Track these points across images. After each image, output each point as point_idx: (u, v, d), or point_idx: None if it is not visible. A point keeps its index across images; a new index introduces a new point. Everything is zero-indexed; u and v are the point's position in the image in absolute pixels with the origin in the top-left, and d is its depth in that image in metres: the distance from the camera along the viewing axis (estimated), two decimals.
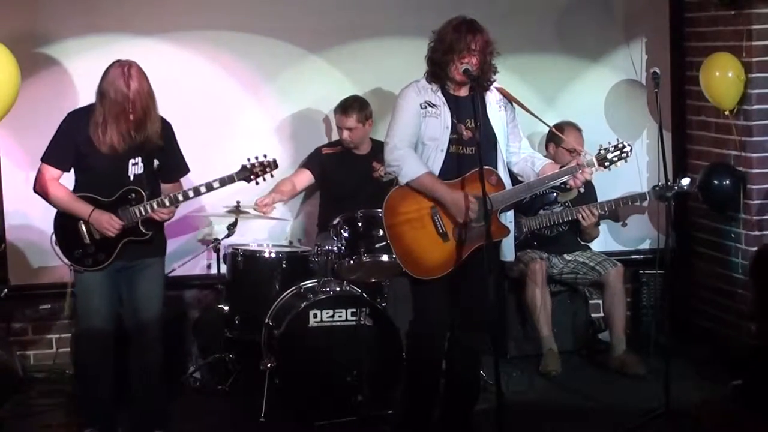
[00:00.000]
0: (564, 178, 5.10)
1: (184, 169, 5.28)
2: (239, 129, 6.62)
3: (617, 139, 5.14)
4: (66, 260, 5.12)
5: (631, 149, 5.11)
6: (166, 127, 5.15)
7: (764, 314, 2.87)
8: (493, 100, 5.12)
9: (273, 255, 6.11)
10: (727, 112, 6.54)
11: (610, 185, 6.74)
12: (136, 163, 5.03)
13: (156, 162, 5.09)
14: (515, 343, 6.70)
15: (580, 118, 6.89)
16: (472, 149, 5.00)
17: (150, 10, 6.47)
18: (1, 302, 6.33)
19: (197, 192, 5.13)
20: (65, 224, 5.08)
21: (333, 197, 6.40)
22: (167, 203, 5.05)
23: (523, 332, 6.69)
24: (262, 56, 6.63)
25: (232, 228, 6.20)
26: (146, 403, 5.25)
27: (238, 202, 6.15)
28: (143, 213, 5.02)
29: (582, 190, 6.55)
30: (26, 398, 6.02)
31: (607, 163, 5.11)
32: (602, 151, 5.11)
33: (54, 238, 5.15)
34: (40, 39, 6.36)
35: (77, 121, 5.02)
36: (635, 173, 6.96)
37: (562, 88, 7.01)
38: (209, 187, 5.16)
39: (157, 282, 5.19)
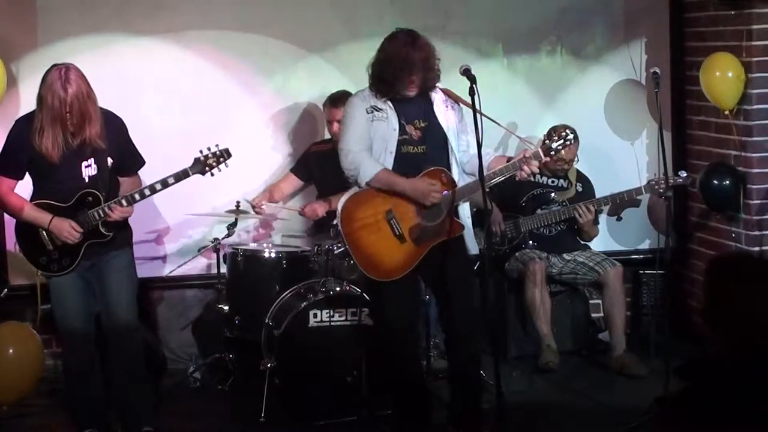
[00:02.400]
0: (512, 172, 5.14)
1: (140, 162, 5.24)
2: (238, 129, 6.61)
3: (561, 125, 5.18)
4: (32, 267, 5.14)
5: (574, 135, 5.19)
6: (115, 121, 5.10)
7: (714, 324, 2.92)
8: (438, 99, 5.19)
9: (273, 255, 6.11)
10: (727, 112, 6.54)
11: (610, 185, 6.74)
12: (89, 165, 5.00)
13: (110, 160, 5.05)
14: (515, 343, 6.70)
15: (580, 118, 6.88)
16: (422, 148, 5.10)
17: (150, 10, 6.47)
18: (1, 302, 6.33)
19: (153, 189, 5.07)
20: (26, 232, 5.07)
21: (324, 195, 6.41)
22: (124, 203, 5.02)
23: (523, 332, 6.69)
24: (262, 56, 6.64)
25: (232, 228, 6.20)
26: (132, 399, 5.24)
27: (238, 202, 6.16)
28: (101, 215, 5.00)
29: (580, 188, 6.57)
30: (26, 398, 6.01)
31: (552, 153, 5.18)
32: (547, 142, 5.17)
33: (17, 246, 5.15)
34: (40, 39, 6.35)
35: (23, 128, 4.99)
36: (635, 173, 6.96)
37: (562, 88, 7.01)
38: (164, 184, 5.10)
39: (126, 272, 5.17)
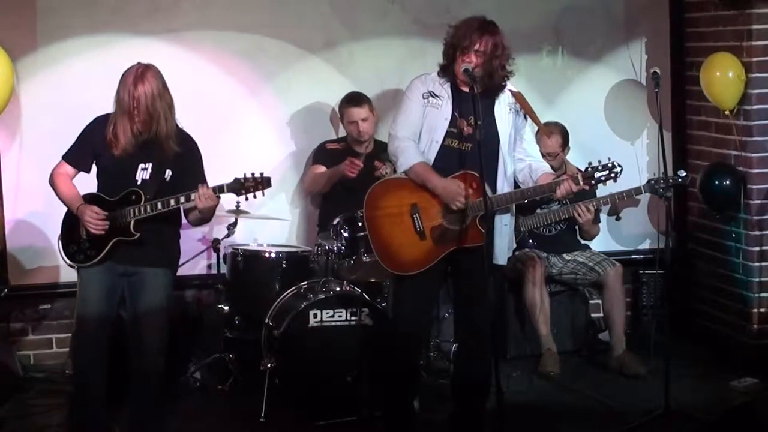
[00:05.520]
0: (548, 192, 5.05)
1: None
2: (239, 129, 6.62)
3: (608, 158, 5.07)
4: (62, 255, 5.15)
5: (621, 170, 5.04)
6: (190, 143, 5.12)
7: None
8: (504, 101, 5.11)
9: (273, 255, 6.11)
10: (727, 112, 6.54)
11: (610, 185, 6.72)
12: (146, 168, 5.02)
13: (168, 172, 5.03)
14: (515, 343, 6.70)
15: (580, 118, 6.90)
16: (469, 146, 5.02)
17: (150, 10, 6.47)
18: (1, 302, 6.33)
19: (188, 198, 5.00)
20: (71, 221, 5.12)
21: (334, 196, 6.39)
22: (160, 207, 4.98)
23: (523, 332, 6.69)
24: (262, 56, 6.64)
25: (232, 228, 6.20)
26: (140, 412, 5.17)
27: (238, 203, 6.16)
28: (135, 214, 4.98)
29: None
30: (26, 398, 6.02)
31: (593, 182, 5.07)
32: (590, 169, 5.05)
33: (60, 233, 5.18)
34: (40, 39, 6.35)
35: (98, 124, 5.07)
36: (635, 174, 6.94)
37: (562, 88, 7.02)
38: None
39: (158, 296, 5.08)
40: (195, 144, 5.17)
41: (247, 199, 5.11)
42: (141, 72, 4.96)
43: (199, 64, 6.56)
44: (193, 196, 4.99)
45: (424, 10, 6.72)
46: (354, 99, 6.38)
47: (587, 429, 5.65)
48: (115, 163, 5.01)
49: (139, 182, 5.02)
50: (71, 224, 5.12)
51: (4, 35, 6.17)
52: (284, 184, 6.72)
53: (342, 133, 6.60)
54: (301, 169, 6.73)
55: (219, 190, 5.03)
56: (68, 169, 5.14)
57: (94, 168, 5.14)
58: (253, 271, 6.10)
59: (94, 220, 4.98)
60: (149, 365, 5.12)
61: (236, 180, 5.05)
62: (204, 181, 5.12)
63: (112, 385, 5.15)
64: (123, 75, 5.01)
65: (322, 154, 6.50)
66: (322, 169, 6.45)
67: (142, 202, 4.98)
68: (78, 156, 5.12)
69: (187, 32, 6.53)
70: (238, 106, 6.65)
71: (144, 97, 4.90)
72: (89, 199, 5.08)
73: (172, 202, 5.00)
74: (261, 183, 5.05)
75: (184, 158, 5.07)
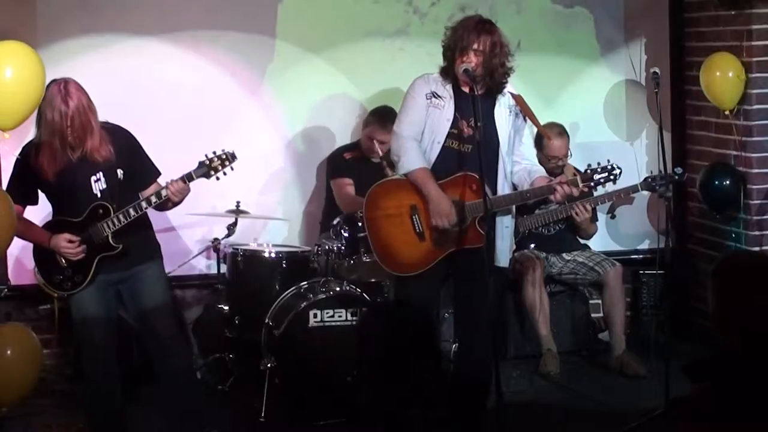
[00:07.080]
0: (547, 194, 5.08)
1: (154, 173, 5.10)
2: (239, 129, 6.62)
3: (608, 161, 5.08)
4: (48, 287, 5.11)
5: (620, 172, 5.06)
6: (122, 134, 5.02)
7: (724, 323, 2.92)
8: (504, 103, 5.10)
9: (273, 255, 6.11)
10: (727, 112, 6.54)
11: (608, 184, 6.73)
12: (98, 179, 4.92)
13: (120, 172, 4.96)
14: (515, 343, 6.70)
15: (580, 118, 6.90)
16: (469, 147, 5.02)
17: (149, 10, 6.47)
18: (1, 302, 6.33)
19: (159, 196, 4.94)
20: (43, 251, 5.01)
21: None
22: (132, 213, 4.92)
23: (523, 332, 6.69)
24: (262, 56, 6.64)
25: (232, 228, 6.20)
26: (187, 407, 5.15)
27: (238, 202, 6.16)
28: (111, 227, 4.91)
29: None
30: (26, 399, 6.01)
31: (592, 184, 5.09)
32: (589, 171, 5.07)
33: (36, 268, 5.13)
34: (40, 39, 6.35)
35: (27, 152, 4.96)
36: (635, 173, 6.94)
37: (562, 88, 7.02)
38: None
39: (158, 284, 5.08)
40: (127, 131, 5.05)
41: (218, 179, 5.06)
42: (64, 88, 4.79)
43: (199, 64, 6.56)
44: (164, 192, 4.93)
45: (427, 11, 6.71)
46: (382, 120, 6.20)
47: (587, 429, 5.65)
48: (65, 185, 4.90)
49: (99, 195, 4.93)
50: (44, 255, 5.00)
51: (4, 36, 6.16)
52: (284, 183, 6.73)
53: (342, 133, 6.59)
54: (301, 169, 6.73)
55: (188, 178, 4.98)
56: (17, 208, 4.98)
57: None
58: (253, 271, 6.10)
59: (72, 249, 4.90)
60: (173, 358, 5.08)
61: (201, 164, 5.02)
62: (152, 165, 5.09)
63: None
64: (45, 96, 4.85)
65: (344, 166, 6.38)
66: (350, 183, 6.32)
67: (112, 214, 4.91)
68: (21, 192, 4.99)
69: (187, 32, 6.53)
70: (238, 107, 6.65)
71: (77, 113, 4.77)
72: (54, 227, 4.97)
73: (144, 204, 4.94)
74: (227, 159, 5.03)
75: (126, 151, 4.98)
